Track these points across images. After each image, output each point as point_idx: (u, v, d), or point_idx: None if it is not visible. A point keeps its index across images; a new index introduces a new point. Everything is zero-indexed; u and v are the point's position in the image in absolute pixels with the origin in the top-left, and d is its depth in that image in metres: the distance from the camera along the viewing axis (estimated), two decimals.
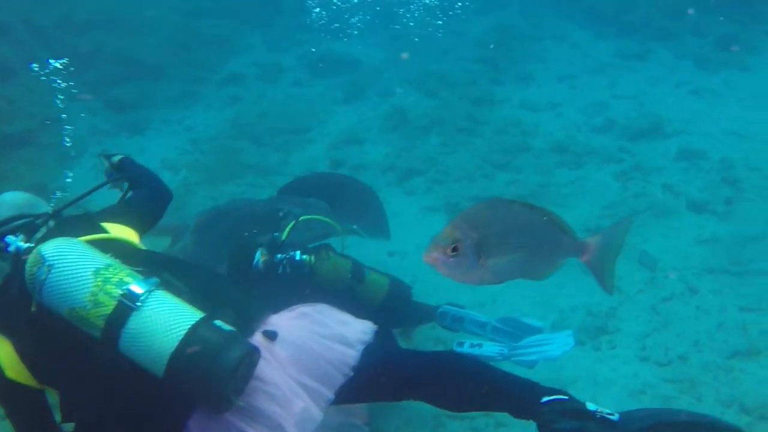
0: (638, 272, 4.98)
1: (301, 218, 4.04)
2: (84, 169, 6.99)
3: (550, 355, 3.56)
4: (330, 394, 2.36)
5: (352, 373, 2.41)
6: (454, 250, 2.20)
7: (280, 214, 4.40)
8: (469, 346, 3.68)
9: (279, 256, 3.59)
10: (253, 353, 2.16)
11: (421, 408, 3.96)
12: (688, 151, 6.41)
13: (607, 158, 6.47)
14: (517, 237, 2.28)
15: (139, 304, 2.06)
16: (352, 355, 2.43)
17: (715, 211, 5.59)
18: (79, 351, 2.13)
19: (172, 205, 5.93)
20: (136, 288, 2.09)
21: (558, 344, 3.61)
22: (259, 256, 3.50)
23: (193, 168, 6.82)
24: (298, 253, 3.63)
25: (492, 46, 8.98)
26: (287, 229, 3.83)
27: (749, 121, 6.95)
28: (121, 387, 2.14)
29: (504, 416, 3.87)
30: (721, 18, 9.10)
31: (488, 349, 3.62)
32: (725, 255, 5.07)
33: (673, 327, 4.49)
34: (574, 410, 2.42)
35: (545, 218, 2.32)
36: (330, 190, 4.93)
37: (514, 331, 3.79)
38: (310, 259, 3.62)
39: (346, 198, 4.91)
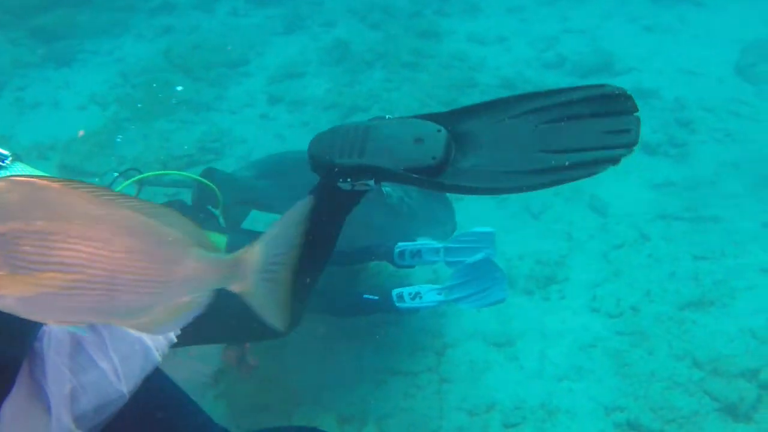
0: (589, 218, 4.79)
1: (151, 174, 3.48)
2: (5, 103, 6.54)
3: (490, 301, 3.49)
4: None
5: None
6: None
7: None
8: (409, 298, 3.53)
9: None
10: None
11: (361, 363, 3.79)
12: (640, 89, 6.18)
13: None
14: (54, 245, 1.23)
15: (8, 162, 1.79)
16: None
17: (668, 154, 5.41)
18: None
19: (99, 143, 5.74)
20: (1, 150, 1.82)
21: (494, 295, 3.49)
22: None
23: (123, 103, 6.41)
24: None
25: None
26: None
27: (703, 58, 6.75)
28: None
29: (448, 372, 3.77)
30: None
31: (428, 298, 3.51)
32: (678, 200, 4.91)
33: (625, 276, 4.33)
34: None
35: (140, 216, 1.29)
36: None
37: (468, 245, 3.58)
38: None
39: None
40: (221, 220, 3.62)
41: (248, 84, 6.67)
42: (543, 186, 1.96)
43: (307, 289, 2.46)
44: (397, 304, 3.52)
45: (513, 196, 4.98)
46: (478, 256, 3.52)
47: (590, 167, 1.93)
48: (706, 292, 4.18)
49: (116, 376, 1.90)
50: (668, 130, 5.63)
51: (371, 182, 2.09)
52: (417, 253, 3.64)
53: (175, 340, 2.09)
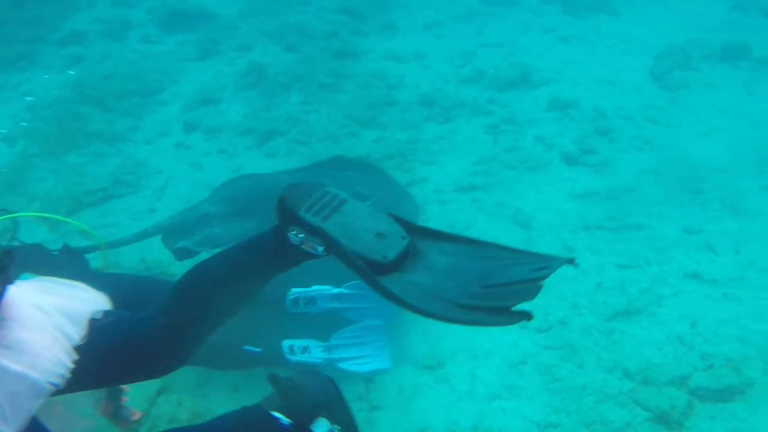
0: (514, 232, 4.75)
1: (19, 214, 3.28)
2: None
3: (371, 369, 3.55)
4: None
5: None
6: None
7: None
8: (299, 352, 3.46)
9: None
10: (9, 254, 1.83)
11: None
12: (559, 100, 6.21)
13: (477, 111, 6.20)
14: None
15: None
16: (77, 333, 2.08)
17: (588, 163, 5.42)
18: None
19: (8, 182, 5.50)
20: None
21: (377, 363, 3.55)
22: None
23: (32, 138, 6.17)
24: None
25: None
26: None
27: (619, 67, 6.84)
28: None
29: (378, 399, 3.66)
30: None
31: (315, 354, 3.48)
32: (600, 210, 4.91)
33: (552, 290, 4.27)
34: None
35: None
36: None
37: (366, 290, 3.51)
38: None
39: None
40: (96, 264, 3.46)
41: (163, 112, 6.50)
42: (465, 322, 1.95)
43: (202, 335, 2.33)
44: (287, 356, 3.42)
45: (435, 216, 4.93)
46: (375, 321, 3.53)
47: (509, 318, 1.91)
48: (633, 301, 4.17)
49: (2, 417, 1.82)
50: (588, 140, 5.65)
51: (320, 249, 2.05)
52: (311, 300, 3.53)
53: (69, 365, 1.98)
